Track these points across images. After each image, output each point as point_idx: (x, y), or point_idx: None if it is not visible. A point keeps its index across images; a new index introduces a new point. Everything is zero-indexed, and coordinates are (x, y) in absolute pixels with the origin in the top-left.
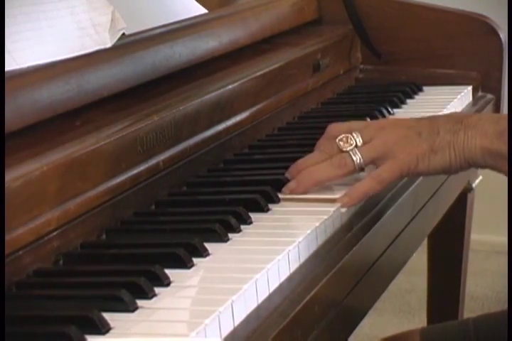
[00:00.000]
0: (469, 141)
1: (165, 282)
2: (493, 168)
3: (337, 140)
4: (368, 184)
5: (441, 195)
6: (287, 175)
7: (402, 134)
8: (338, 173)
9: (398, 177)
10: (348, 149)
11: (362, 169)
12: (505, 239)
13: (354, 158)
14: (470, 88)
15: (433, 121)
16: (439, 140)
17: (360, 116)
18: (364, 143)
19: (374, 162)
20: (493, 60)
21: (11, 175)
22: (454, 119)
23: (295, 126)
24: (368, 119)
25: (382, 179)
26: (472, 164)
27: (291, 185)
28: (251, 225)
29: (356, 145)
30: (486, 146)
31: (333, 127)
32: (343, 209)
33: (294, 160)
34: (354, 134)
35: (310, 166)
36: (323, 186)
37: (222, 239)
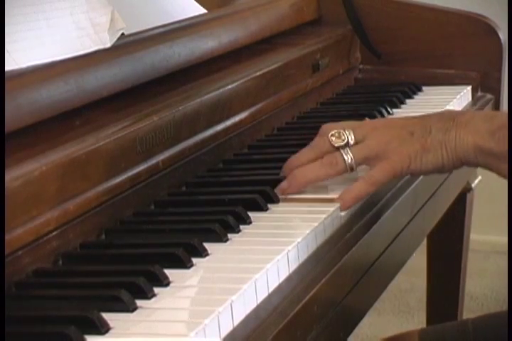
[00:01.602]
0: (461, 139)
1: (164, 282)
2: (485, 166)
3: (329, 135)
4: (360, 186)
5: (441, 195)
6: (282, 174)
7: (394, 134)
8: (329, 173)
9: (391, 178)
10: (339, 144)
11: (352, 169)
12: (504, 238)
13: (345, 158)
14: (469, 88)
15: (425, 120)
16: (431, 139)
17: (359, 116)
18: (356, 142)
19: (366, 162)
20: (492, 60)
21: (10, 175)
22: (446, 117)
23: (294, 126)
24: (368, 119)
25: (375, 180)
26: (465, 162)
27: (283, 185)
28: (250, 225)
29: (348, 143)
30: (479, 144)
31: (326, 125)
32: (343, 213)
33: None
34: (347, 131)
35: (301, 165)
36: (321, 186)
37: (222, 239)
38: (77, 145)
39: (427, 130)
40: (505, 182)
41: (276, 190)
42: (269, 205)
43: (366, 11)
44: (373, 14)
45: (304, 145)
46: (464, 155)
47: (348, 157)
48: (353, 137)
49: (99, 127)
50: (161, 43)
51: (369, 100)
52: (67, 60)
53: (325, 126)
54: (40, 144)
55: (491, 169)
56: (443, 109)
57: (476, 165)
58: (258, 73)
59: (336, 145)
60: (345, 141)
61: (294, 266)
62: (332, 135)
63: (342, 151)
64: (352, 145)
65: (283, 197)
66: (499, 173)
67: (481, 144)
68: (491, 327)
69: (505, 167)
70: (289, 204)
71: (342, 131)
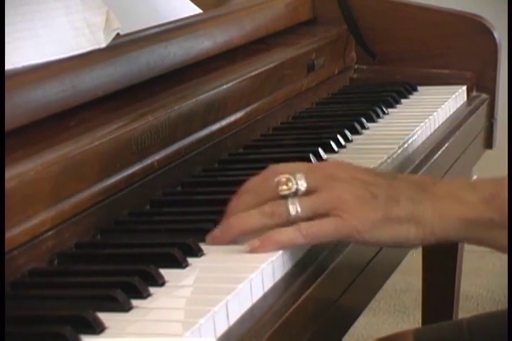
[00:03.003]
0: (443, 213)
1: (159, 282)
2: (472, 240)
3: (276, 180)
4: (290, 234)
5: None
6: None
7: (354, 192)
8: (267, 223)
9: (331, 239)
10: (284, 193)
11: (295, 222)
12: None
13: (291, 209)
14: (464, 88)
15: (393, 185)
16: (398, 210)
17: (355, 116)
18: (308, 190)
19: (313, 215)
20: (487, 60)
21: (5, 175)
22: (418, 185)
23: (290, 126)
24: (363, 119)
25: (310, 234)
26: (443, 238)
27: (215, 232)
28: None
29: (297, 191)
30: (471, 217)
31: (274, 167)
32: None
33: (289, 160)
34: (298, 176)
35: (240, 211)
36: None
37: None
38: (72, 145)
39: (393, 198)
40: None
41: (207, 238)
42: None
43: (361, 11)
44: (368, 14)
45: (299, 145)
46: (445, 231)
47: (294, 208)
48: (304, 184)
49: (95, 127)
50: (157, 43)
51: (364, 100)
52: (63, 60)
53: (273, 168)
54: (36, 144)
55: (483, 241)
56: (438, 109)
57: (461, 240)
58: (253, 73)
59: (281, 193)
60: (293, 189)
61: (289, 266)
62: (279, 181)
63: (289, 201)
64: (301, 195)
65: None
66: (495, 244)
67: (475, 216)
68: (486, 327)
69: (506, 235)
70: None
71: (291, 177)
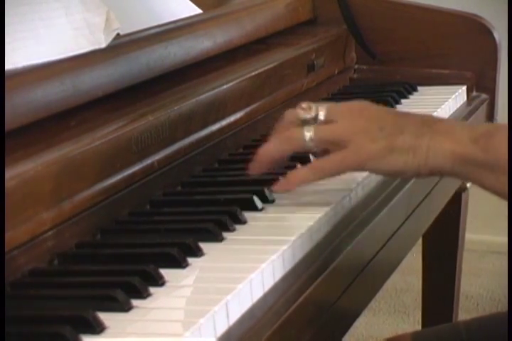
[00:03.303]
0: (436, 146)
1: (159, 282)
2: (461, 175)
3: (298, 107)
4: (304, 173)
5: (436, 195)
6: None
7: (364, 126)
8: (285, 148)
9: (341, 172)
10: (304, 117)
11: (311, 149)
12: (499, 238)
13: (306, 134)
14: (464, 88)
15: (400, 119)
16: (400, 140)
17: None
18: (325, 121)
19: (325, 145)
20: (487, 60)
21: (5, 175)
22: (423, 122)
23: None
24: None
25: (322, 170)
26: (435, 171)
27: (250, 165)
28: (246, 225)
29: (316, 119)
30: (459, 153)
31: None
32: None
33: (289, 159)
34: (319, 107)
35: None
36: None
37: (217, 238)
38: (72, 145)
39: (398, 129)
40: None
41: (249, 168)
42: (264, 205)
43: (361, 11)
44: (368, 14)
45: None
46: (436, 163)
47: (308, 135)
48: (323, 114)
49: (95, 127)
50: (157, 43)
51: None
52: (63, 60)
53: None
54: (36, 144)
55: (470, 178)
56: (438, 109)
57: (450, 174)
58: (253, 73)
59: (301, 117)
60: (313, 115)
61: (289, 266)
62: (301, 107)
63: (305, 128)
64: (318, 124)
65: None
66: (481, 184)
67: (462, 152)
68: (484, 330)
69: (490, 177)
70: (284, 203)
71: (314, 105)
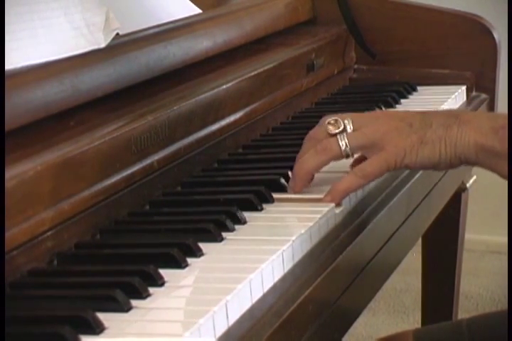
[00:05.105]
0: (463, 136)
1: (159, 282)
2: (484, 165)
3: (326, 122)
4: (351, 179)
5: (436, 195)
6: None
7: (393, 125)
8: (323, 159)
9: (384, 171)
10: (335, 132)
11: (348, 155)
12: (499, 238)
13: (340, 143)
14: (464, 88)
15: (427, 114)
16: (431, 132)
17: None
18: (354, 130)
19: (361, 150)
20: (487, 60)
21: (5, 175)
22: (449, 114)
23: (289, 126)
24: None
25: (367, 173)
26: (464, 160)
27: (290, 184)
28: (245, 225)
29: (345, 130)
30: (481, 142)
31: (326, 116)
32: (338, 210)
33: (288, 159)
34: (346, 120)
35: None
36: (318, 186)
37: (217, 238)
38: (71, 145)
39: (427, 123)
40: (500, 182)
41: (288, 191)
42: (264, 205)
43: (361, 11)
44: (368, 14)
45: (299, 145)
46: (463, 152)
47: (344, 143)
48: (351, 125)
49: (94, 127)
50: (156, 43)
51: (364, 100)
52: (62, 60)
53: (324, 117)
54: (35, 144)
55: (491, 168)
56: (437, 109)
57: (476, 163)
58: (253, 73)
59: (331, 132)
60: (342, 128)
61: (288, 266)
62: (329, 123)
63: (338, 137)
64: (349, 132)
65: (278, 197)
66: (499, 173)
67: (483, 142)
68: (485, 327)
69: (506, 167)
70: (284, 203)
71: (340, 119)
